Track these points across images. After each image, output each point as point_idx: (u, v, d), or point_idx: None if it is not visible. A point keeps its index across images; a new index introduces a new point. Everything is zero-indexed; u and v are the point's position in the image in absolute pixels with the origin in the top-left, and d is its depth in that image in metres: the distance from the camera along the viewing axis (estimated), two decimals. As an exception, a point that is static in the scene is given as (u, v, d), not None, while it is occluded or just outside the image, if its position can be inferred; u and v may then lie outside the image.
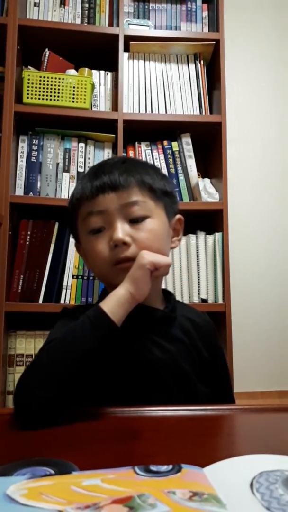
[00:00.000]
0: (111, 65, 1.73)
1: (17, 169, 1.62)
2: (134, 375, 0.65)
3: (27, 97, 1.60)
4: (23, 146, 1.64)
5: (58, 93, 1.61)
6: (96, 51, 1.74)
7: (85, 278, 1.58)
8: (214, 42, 1.70)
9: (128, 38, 1.67)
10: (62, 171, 1.65)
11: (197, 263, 1.62)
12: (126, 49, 1.69)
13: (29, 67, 1.70)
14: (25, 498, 0.31)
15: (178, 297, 1.56)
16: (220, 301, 1.60)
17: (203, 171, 1.82)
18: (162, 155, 1.70)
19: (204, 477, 0.34)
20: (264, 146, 2.28)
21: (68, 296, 1.56)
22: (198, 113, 1.71)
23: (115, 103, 1.70)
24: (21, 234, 1.58)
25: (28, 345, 1.56)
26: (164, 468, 0.35)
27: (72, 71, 1.66)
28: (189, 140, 1.70)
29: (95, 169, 0.72)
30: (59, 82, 1.61)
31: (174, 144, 1.70)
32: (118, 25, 1.70)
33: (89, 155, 1.68)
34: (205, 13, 1.78)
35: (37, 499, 0.30)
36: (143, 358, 0.66)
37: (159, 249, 0.66)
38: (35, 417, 0.51)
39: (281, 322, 2.21)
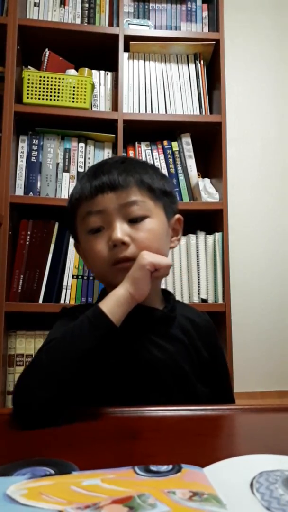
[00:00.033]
0: (111, 65, 1.73)
1: (17, 169, 1.62)
2: (134, 375, 0.65)
3: (27, 97, 1.60)
4: (23, 146, 1.64)
5: (58, 93, 1.61)
6: (96, 51, 1.74)
7: (85, 278, 1.58)
8: (214, 42, 1.70)
9: (128, 38, 1.67)
10: (62, 171, 1.65)
11: (197, 263, 1.62)
12: (126, 49, 1.69)
13: (29, 67, 1.70)
14: (25, 498, 0.31)
15: (178, 297, 1.56)
16: (220, 301, 1.60)
17: (203, 171, 1.82)
18: (162, 155, 1.70)
19: (204, 477, 0.34)
20: (264, 146, 2.28)
21: (68, 296, 1.56)
22: (198, 113, 1.71)
23: (115, 103, 1.70)
24: (21, 234, 1.58)
25: (28, 345, 1.56)
26: (164, 468, 0.35)
27: (72, 71, 1.66)
28: (189, 140, 1.70)
29: (94, 169, 0.72)
30: (59, 82, 1.61)
31: (174, 144, 1.70)
32: (118, 25, 1.70)
33: (89, 155, 1.68)
34: (205, 13, 1.78)
35: (37, 499, 0.30)
36: (142, 358, 0.66)
37: (158, 249, 0.66)
38: (35, 417, 0.51)
39: (281, 322, 2.21)
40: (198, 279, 1.61)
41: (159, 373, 0.66)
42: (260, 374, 2.16)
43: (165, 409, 0.57)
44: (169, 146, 1.70)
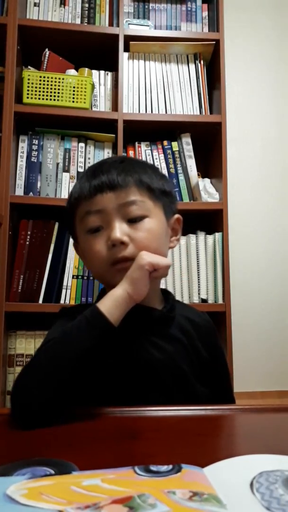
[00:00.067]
0: (111, 65, 1.73)
1: (17, 169, 1.62)
2: (132, 375, 0.65)
3: (27, 97, 1.60)
4: (23, 146, 1.64)
5: (58, 93, 1.61)
6: (96, 51, 1.74)
7: (85, 278, 1.58)
8: (214, 42, 1.70)
9: (128, 38, 1.67)
10: (62, 171, 1.65)
11: (197, 263, 1.62)
12: (126, 49, 1.69)
13: (29, 67, 1.70)
14: (25, 498, 0.31)
15: (178, 297, 1.56)
16: (220, 301, 1.60)
17: (203, 171, 1.82)
18: (162, 155, 1.70)
19: (204, 477, 0.34)
20: (264, 146, 2.28)
21: (68, 296, 1.56)
22: (198, 113, 1.71)
23: (115, 103, 1.70)
24: (21, 234, 1.58)
25: (28, 345, 1.56)
26: (164, 468, 0.35)
27: (72, 71, 1.66)
28: (189, 140, 1.70)
29: (93, 168, 0.72)
30: (59, 82, 1.61)
31: (174, 144, 1.70)
32: (118, 25, 1.70)
33: (89, 155, 1.68)
34: (205, 13, 1.78)
35: (37, 499, 0.30)
36: (140, 358, 0.66)
37: (157, 249, 0.66)
38: (33, 417, 0.51)
39: (281, 322, 2.21)
40: (198, 279, 1.61)
41: (157, 373, 0.66)
42: (260, 374, 2.16)
43: (165, 409, 0.57)
44: (169, 146, 1.70)
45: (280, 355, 2.18)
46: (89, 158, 1.68)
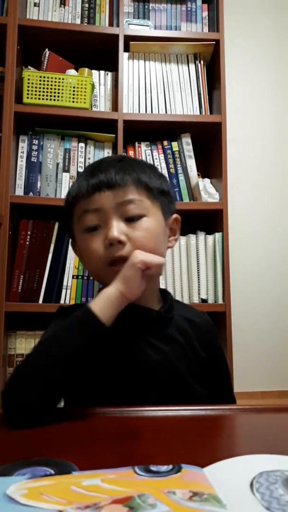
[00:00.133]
0: (111, 65, 1.73)
1: (17, 169, 1.62)
2: (129, 375, 0.65)
3: (27, 97, 1.60)
4: (23, 146, 1.64)
5: (58, 93, 1.61)
6: (96, 51, 1.74)
7: (85, 278, 1.58)
8: (214, 42, 1.70)
9: (128, 38, 1.67)
10: (62, 171, 1.65)
11: (197, 263, 1.62)
12: (126, 49, 1.69)
13: (29, 67, 1.70)
14: (25, 498, 0.31)
15: (178, 297, 1.56)
16: (220, 301, 1.60)
17: (203, 171, 1.82)
18: (162, 155, 1.70)
19: (204, 477, 0.34)
20: (264, 146, 2.28)
21: (68, 296, 1.56)
22: (198, 113, 1.71)
23: (115, 103, 1.70)
24: (21, 234, 1.58)
25: (28, 345, 1.56)
26: (164, 468, 0.35)
27: (72, 71, 1.66)
28: (189, 140, 1.70)
29: (91, 167, 0.71)
30: (59, 82, 1.61)
31: (174, 144, 1.70)
32: (118, 25, 1.70)
33: (89, 155, 1.68)
34: (205, 13, 1.78)
35: (37, 499, 0.30)
36: (137, 359, 0.66)
37: (154, 248, 0.65)
38: (24, 416, 0.51)
39: (281, 322, 2.21)
40: (198, 279, 1.61)
41: (154, 373, 0.65)
42: (260, 374, 2.16)
43: (165, 409, 0.57)
44: (169, 146, 1.70)
45: (280, 355, 2.18)
46: (89, 158, 1.68)
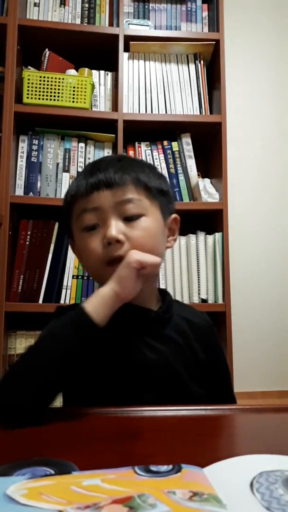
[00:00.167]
0: (111, 65, 1.73)
1: (17, 169, 1.62)
2: (125, 376, 0.65)
3: (27, 97, 1.60)
4: (23, 146, 1.64)
5: (58, 93, 1.61)
6: (96, 51, 1.74)
7: (85, 278, 1.58)
8: (214, 42, 1.70)
9: (128, 38, 1.67)
10: (62, 171, 1.65)
11: (197, 263, 1.62)
12: (126, 49, 1.69)
13: (29, 67, 1.70)
14: (25, 498, 0.31)
15: (178, 297, 1.56)
16: (220, 301, 1.60)
17: (203, 171, 1.82)
18: (162, 155, 1.70)
19: (204, 477, 0.34)
20: (264, 146, 2.28)
21: (68, 296, 1.56)
22: (198, 113, 1.71)
23: (115, 103, 1.70)
24: (21, 234, 1.58)
25: (28, 345, 1.56)
26: (164, 468, 0.35)
27: (72, 71, 1.66)
28: (189, 140, 1.70)
29: (90, 166, 0.71)
30: (59, 82, 1.61)
31: (174, 144, 1.70)
32: (118, 25, 1.70)
33: (89, 155, 1.68)
34: (205, 13, 1.78)
35: (37, 499, 0.30)
36: (134, 359, 0.65)
37: (152, 248, 0.65)
38: (17, 416, 0.51)
39: (281, 322, 2.21)
40: (198, 279, 1.61)
41: (151, 374, 0.65)
42: (260, 374, 2.16)
43: (165, 409, 0.57)
44: (169, 146, 1.70)
45: (280, 355, 2.18)
46: (89, 158, 1.68)
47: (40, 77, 1.60)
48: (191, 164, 1.69)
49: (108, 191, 0.65)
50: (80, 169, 1.66)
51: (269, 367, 2.17)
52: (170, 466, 0.35)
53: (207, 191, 1.70)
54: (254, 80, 2.30)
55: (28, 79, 1.60)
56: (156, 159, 1.69)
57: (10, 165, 1.54)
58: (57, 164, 1.65)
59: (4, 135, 1.55)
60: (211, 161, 1.80)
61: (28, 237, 1.58)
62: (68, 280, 1.57)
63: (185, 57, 1.75)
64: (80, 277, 1.58)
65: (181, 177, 1.68)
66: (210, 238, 1.64)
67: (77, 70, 1.67)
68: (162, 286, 1.59)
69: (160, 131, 1.71)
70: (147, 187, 0.68)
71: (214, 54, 1.74)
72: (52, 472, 0.36)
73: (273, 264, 2.23)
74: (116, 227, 0.63)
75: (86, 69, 1.68)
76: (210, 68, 1.78)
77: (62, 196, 1.67)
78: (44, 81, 1.60)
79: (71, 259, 1.58)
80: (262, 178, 2.27)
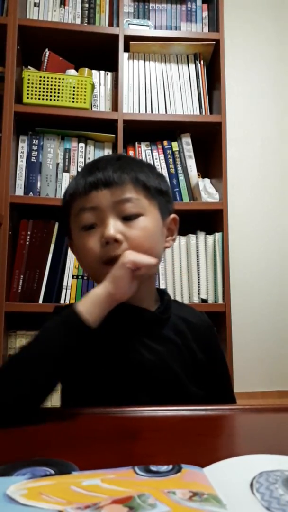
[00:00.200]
0: (111, 65, 1.73)
1: (17, 169, 1.62)
2: (122, 376, 0.65)
3: (27, 97, 1.60)
4: (23, 146, 1.64)
5: (58, 93, 1.61)
6: (96, 51, 1.74)
7: (85, 278, 1.58)
8: (214, 42, 1.71)
9: (128, 38, 1.67)
10: (62, 171, 1.65)
11: (197, 263, 1.62)
12: (126, 49, 1.69)
13: (29, 67, 1.70)
14: (25, 498, 0.31)
15: (178, 297, 1.56)
16: (220, 301, 1.60)
17: (203, 171, 1.82)
18: (162, 155, 1.70)
19: (204, 477, 0.34)
20: (264, 146, 2.28)
21: (68, 296, 1.56)
22: (198, 113, 1.71)
23: (115, 103, 1.70)
24: (21, 234, 1.58)
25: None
26: (164, 468, 0.35)
27: (72, 71, 1.66)
28: (189, 140, 1.70)
29: (89, 166, 0.71)
30: (59, 82, 1.61)
31: (174, 144, 1.70)
32: (118, 25, 1.70)
33: (89, 155, 1.68)
34: (205, 13, 1.78)
35: (37, 499, 0.30)
36: (131, 359, 0.65)
37: (151, 248, 0.65)
38: (7, 415, 0.51)
39: (281, 322, 2.21)
40: (198, 279, 1.61)
41: (148, 374, 0.65)
42: (260, 374, 2.16)
43: (165, 409, 0.57)
44: (169, 146, 1.70)
45: (280, 355, 2.18)
46: (89, 158, 1.68)
47: (40, 77, 1.60)
48: (191, 164, 1.69)
49: (107, 190, 0.65)
50: (80, 169, 1.66)
51: (269, 367, 2.17)
52: (170, 466, 0.35)
53: (207, 191, 1.70)
54: (254, 80, 2.30)
55: (28, 79, 1.60)
56: (156, 159, 1.69)
57: (10, 165, 1.54)
58: (57, 164, 1.65)
59: (4, 135, 1.55)
60: (211, 161, 1.80)
61: (28, 237, 1.58)
62: (68, 280, 1.57)
63: (185, 57, 1.75)
64: (80, 277, 1.58)
65: (181, 177, 1.68)
66: (210, 238, 1.64)
67: (77, 70, 1.67)
68: (162, 286, 1.59)
69: (160, 131, 1.71)
70: (146, 186, 0.68)
71: (214, 54, 1.74)
72: (52, 472, 0.36)
73: (273, 264, 2.23)
74: (114, 227, 0.63)
75: (86, 69, 1.68)
76: (210, 68, 1.78)
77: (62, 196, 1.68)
78: (44, 81, 1.60)
79: (71, 259, 1.58)
80: (262, 178, 2.27)
